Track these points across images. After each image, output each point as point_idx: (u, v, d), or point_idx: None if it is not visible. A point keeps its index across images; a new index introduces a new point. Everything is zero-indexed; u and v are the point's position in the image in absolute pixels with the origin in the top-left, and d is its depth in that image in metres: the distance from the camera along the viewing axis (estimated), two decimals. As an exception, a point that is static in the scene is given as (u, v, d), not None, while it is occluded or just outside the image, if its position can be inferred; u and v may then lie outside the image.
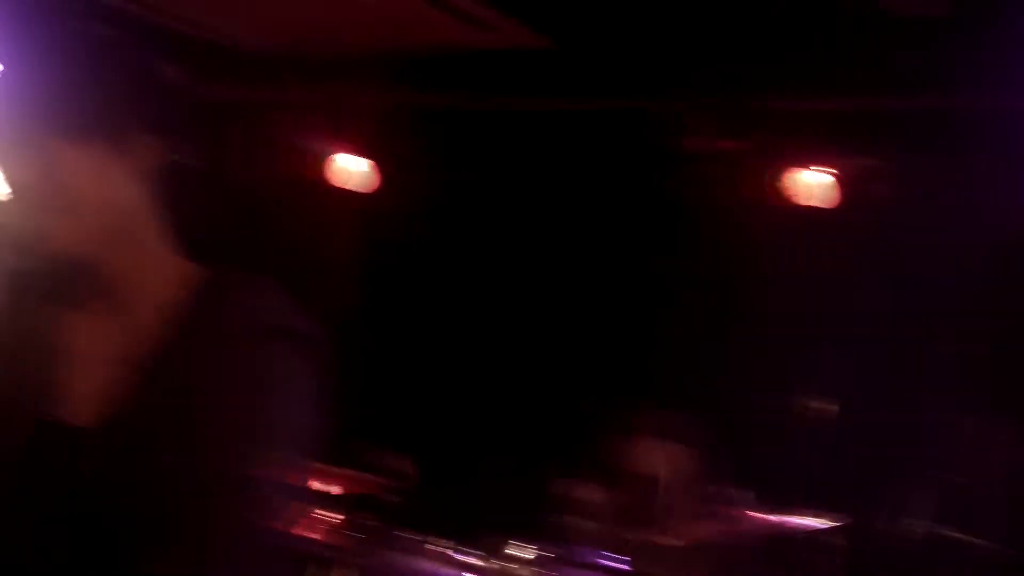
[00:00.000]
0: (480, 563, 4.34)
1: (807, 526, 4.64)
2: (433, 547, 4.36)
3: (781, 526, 4.62)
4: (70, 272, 1.76)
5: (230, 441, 1.68)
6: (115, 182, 1.73)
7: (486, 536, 4.43)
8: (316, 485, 4.54)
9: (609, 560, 4.44)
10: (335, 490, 4.61)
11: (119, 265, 1.76)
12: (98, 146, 1.71)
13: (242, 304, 1.79)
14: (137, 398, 1.73)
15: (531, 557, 4.41)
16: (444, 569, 4.31)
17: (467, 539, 4.40)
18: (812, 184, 5.56)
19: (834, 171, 5.52)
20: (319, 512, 4.48)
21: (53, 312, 1.80)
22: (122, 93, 1.73)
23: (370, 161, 6.37)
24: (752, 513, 4.66)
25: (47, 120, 1.69)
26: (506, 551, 4.42)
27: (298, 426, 1.77)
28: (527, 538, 4.45)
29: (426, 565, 4.32)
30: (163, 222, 1.80)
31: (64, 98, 1.70)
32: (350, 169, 6.40)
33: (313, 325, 1.80)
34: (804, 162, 5.55)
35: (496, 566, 4.35)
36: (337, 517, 4.51)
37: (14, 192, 1.70)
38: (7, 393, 1.76)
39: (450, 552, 4.36)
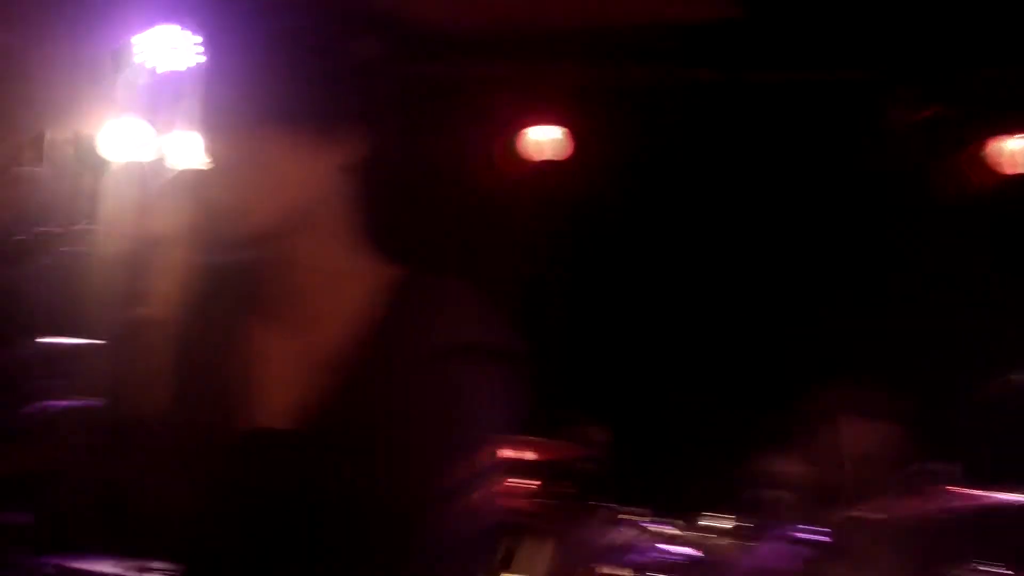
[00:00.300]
0: (676, 533, 4.33)
1: (1015, 502, 4.50)
2: (628, 516, 4.37)
3: (988, 501, 4.49)
4: (270, 267, 1.76)
5: (423, 453, 1.66)
6: (317, 171, 1.72)
7: (682, 506, 4.42)
8: (510, 454, 4.59)
9: (810, 533, 4.38)
10: (529, 458, 4.63)
11: (317, 262, 1.75)
12: (302, 134, 1.70)
13: (440, 313, 1.75)
14: (334, 404, 1.71)
15: (729, 528, 4.39)
16: (640, 538, 4.32)
17: (663, 509, 4.40)
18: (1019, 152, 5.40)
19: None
20: (513, 480, 4.50)
21: (253, 315, 1.80)
22: (325, 79, 1.72)
23: (569, 138, 6.38)
24: (958, 489, 4.54)
25: (252, 106, 1.69)
26: (703, 522, 4.41)
27: (492, 439, 1.75)
28: (724, 509, 4.43)
29: (621, 534, 4.33)
30: (363, 217, 1.78)
31: (268, 85, 1.69)
32: (549, 147, 6.42)
33: (511, 337, 1.77)
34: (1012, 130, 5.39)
35: (693, 536, 4.34)
36: (531, 485, 4.55)
37: (216, 173, 1.71)
38: (209, 398, 1.76)
39: (646, 522, 4.37)
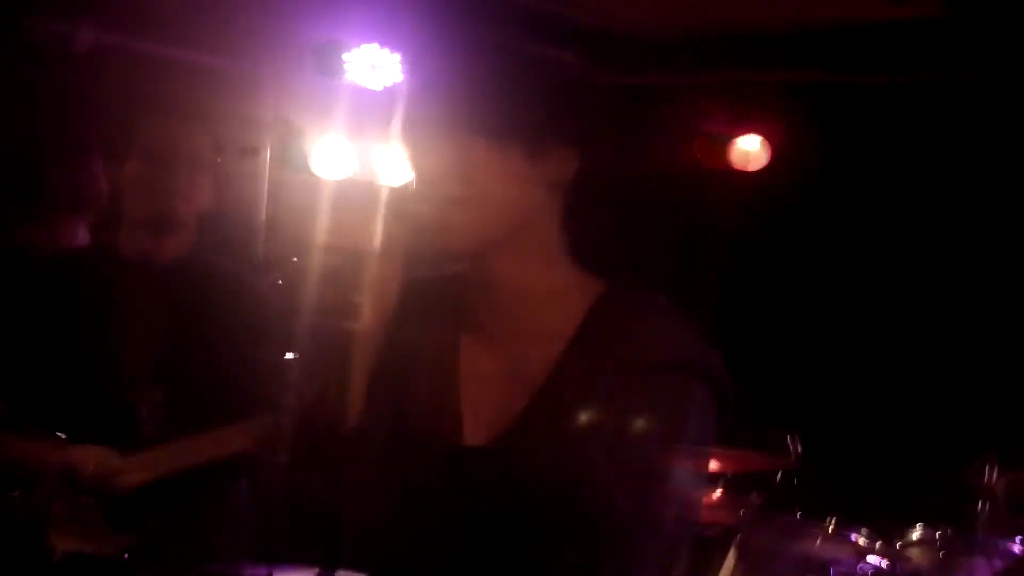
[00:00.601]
0: (872, 545, 4.26)
1: None
2: (823, 527, 4.31)
3: None
4: (476, 284, 1.78)
5: (628, 469, 1.65)
6: (524, 187, 1.73)
7: (877, 517, 4.35)
8: (709, 466, 4.53)
9: (1013, 546, 4.27)
10: (723, 468, 4.60)
11: (524, 279, 1.76)
12: (509, 150, 1.70)
13: (647, 329, 1.74)
14: (529, 421, 1.72)
15: (928, 539, 4.30)
16: (834, 550, 4.26)
17: (857, 520, 4.33)
18: None
19: None
20: (708, 491, 4.44)
21: (459, 331, 1.81)
22: (531, 94, 1.73)
23: (774, 147, 6.31)
24: None
25: (459, 123, 1.70)
26: (902, 533, 4.32)
27: (695, 453, 1.73)
28: (922, 521, 4.34)
29: (816, 546, 4.28)
30: (570, 232, 1.78)
31: (475, 101, 1.70)
32: (754, 157, 6.34)
33: (714, 352, 1.75)
34: None
35: (888, 548, 4.26)
36: (725, 496, 4.53)
37: (424, 190, 1.73)
38: (413, 413, 1.78)
39: (842, 533, 4.30)
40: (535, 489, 1.67)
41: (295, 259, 2.62)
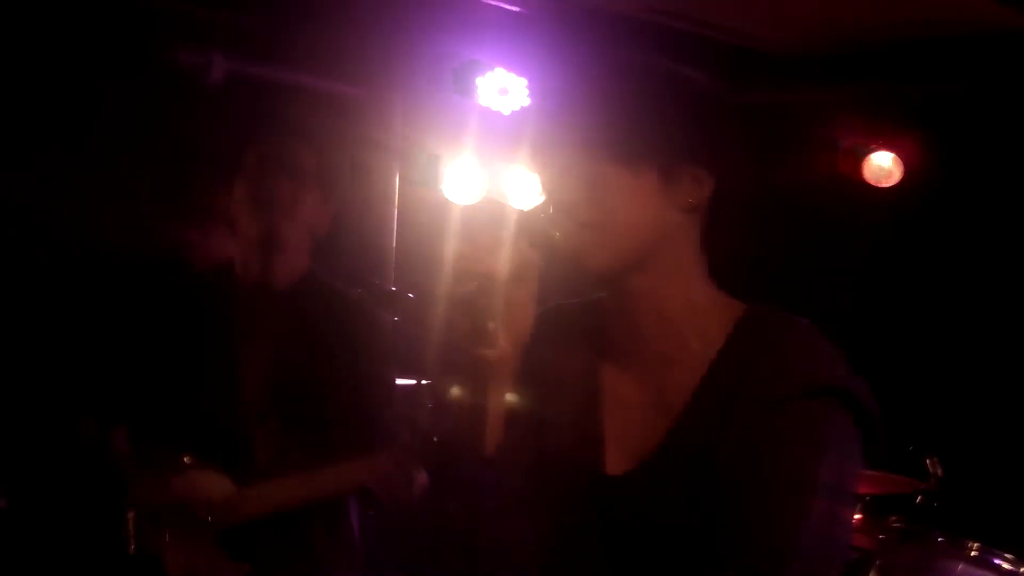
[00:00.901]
0: (1019, 570, 4.15)
1: None
2: (966, 551, 4.22)
3: None
4: (610, 306, 1.77)
5: (770, 494, 1.62)
6: (657, 210, 1.71)
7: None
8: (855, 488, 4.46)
9: None
10: (867, 491, 4.51)
11: (656, 301, 1.74)
12: (642, 173, 1.69)
13: (784, 355, 1.71)
14: (671, 448, 1.70)
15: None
16: (979, 575, 4.16)
17: (1002, 544, 4.23)
18: None
19: None
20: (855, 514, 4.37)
21: (592, 355, 1.81)
22: (666, 116, 1.72)
23: (909, 163, 6.19)
24: None
25: (590, 144, 1.70)
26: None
27: (840, 477, 1.68)
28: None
29: (958, 570, 4.18)
30: (704, 255, 1.77)
31: (608, 122, 1.70)
32: (889, 172, 6.23)
33: (856, 380, 1.71)
34: None
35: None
36: (868, 518, 4.44)
37: (554, 211, 1.72)
38: (553, 439, 1.77)
39: (985, 557, 4.21)
40: (676, 517, 1.66)
41: (425, 285, 2.61)
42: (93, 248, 4.67)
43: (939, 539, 4.28)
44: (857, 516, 4.45)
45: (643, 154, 1.69)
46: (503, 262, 1.66)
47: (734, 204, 1.77)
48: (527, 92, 5.29)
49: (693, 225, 1.76)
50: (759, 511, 1.62)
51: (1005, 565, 4.14)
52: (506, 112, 5.35)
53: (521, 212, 1.73)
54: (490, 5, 5.07)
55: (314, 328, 3.19)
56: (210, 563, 3.08)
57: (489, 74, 5.35)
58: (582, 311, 1.83)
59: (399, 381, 3.33)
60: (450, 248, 1.69)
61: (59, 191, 4.92)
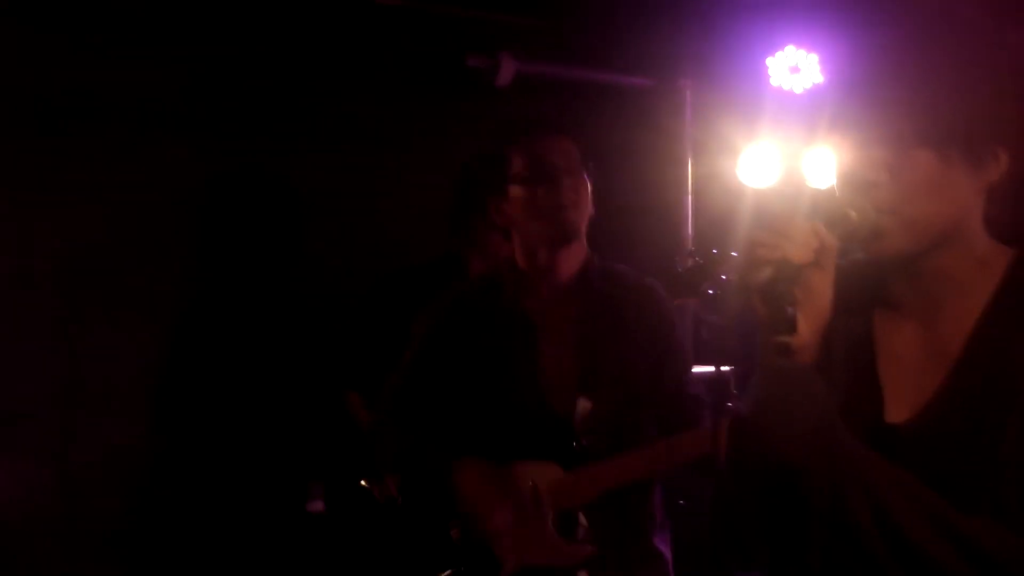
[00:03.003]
0: None
1: None
2: None
3: None
4: (891, 266, 1.74)
5: None
6: (959, 193, 1.67)
7: None
8: None
9: None
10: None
11: (941, 264, 1.71)
12: (950, 158, 1.65)
13: None
14: (949, 395, 1.67)
15: None
16: None
17: None
18: None
19: None
20: None
21: (866, 307, 1.79)
22: (980, 95, 1.65)
23: None
24: None
25: (894, 126, 1.65)
26: None
27: None
28: None
29: None
30: (998, 229, 1.72)
31: (915, 104, 1.64)
32: None
33: None
34: None
35: None
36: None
37: (854, 191, 1.69)
38: (843, 395, 1.73)
39: None
40: (956, 464, 1.63)
41: (723, 275, 2.58)
42: (386, 256, 4.80)
43: None
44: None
45: (949, 139, 1.64)
46: (800, 247, 1.62)
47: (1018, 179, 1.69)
48: (819, 69, 5.18)
49: (985, 198, 1.71)
50: None
51: None
52: (798, 91, 5.24)
53: (817, 193, 1.70)
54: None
55: (609, 309, 3.26)
56: (549, 550, 3.13)
57: (779, 53, 5.27)
58: (859, 267, 1.78)
59: (700, 368, 3.33)
60: (745, 234, 1.65)
61: (359, 197, 5.09)
